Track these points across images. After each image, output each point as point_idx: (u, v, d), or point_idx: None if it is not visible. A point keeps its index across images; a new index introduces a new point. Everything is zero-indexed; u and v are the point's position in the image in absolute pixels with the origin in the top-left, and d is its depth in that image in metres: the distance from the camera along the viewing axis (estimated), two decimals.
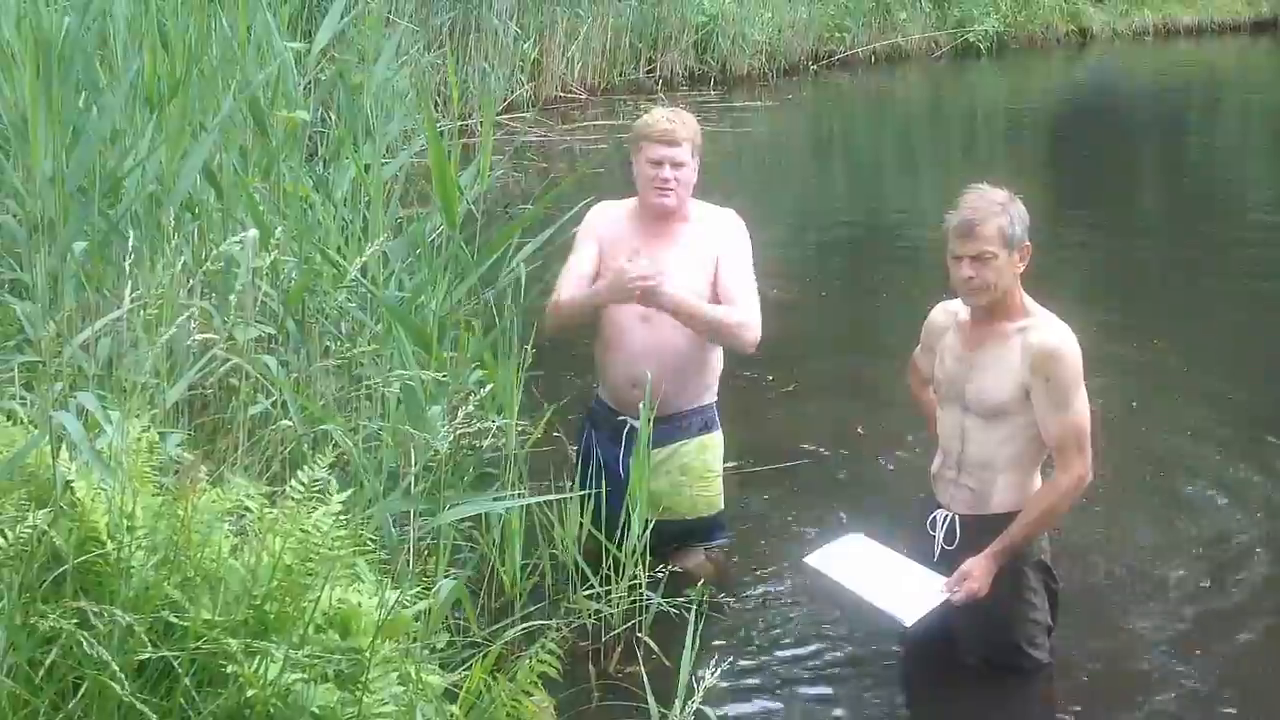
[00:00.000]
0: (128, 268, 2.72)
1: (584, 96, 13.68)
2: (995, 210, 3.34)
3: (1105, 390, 5.28)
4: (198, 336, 3.01)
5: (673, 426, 3.90)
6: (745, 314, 3.82)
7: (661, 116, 3.86)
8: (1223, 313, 7.34)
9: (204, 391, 3.30)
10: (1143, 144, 13.77)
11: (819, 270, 8.12)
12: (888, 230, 9.39)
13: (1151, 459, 5.24)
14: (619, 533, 3.67)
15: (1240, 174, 12.16)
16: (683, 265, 3.82)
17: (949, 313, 3.63)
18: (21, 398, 2.83)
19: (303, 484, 2.50)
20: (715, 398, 4.02)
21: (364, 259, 3.33)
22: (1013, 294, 3.41)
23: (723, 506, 4.06)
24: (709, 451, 3.98)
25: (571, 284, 3.88)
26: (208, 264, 3.12)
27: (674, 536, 3.95)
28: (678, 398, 3.87)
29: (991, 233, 3.33)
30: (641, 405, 3.67)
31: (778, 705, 3.63)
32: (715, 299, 3.84)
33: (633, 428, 3.79)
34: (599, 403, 4.06)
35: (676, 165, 3.79)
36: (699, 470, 3.96)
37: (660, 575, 3.64)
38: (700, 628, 2.96)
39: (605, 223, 3.98)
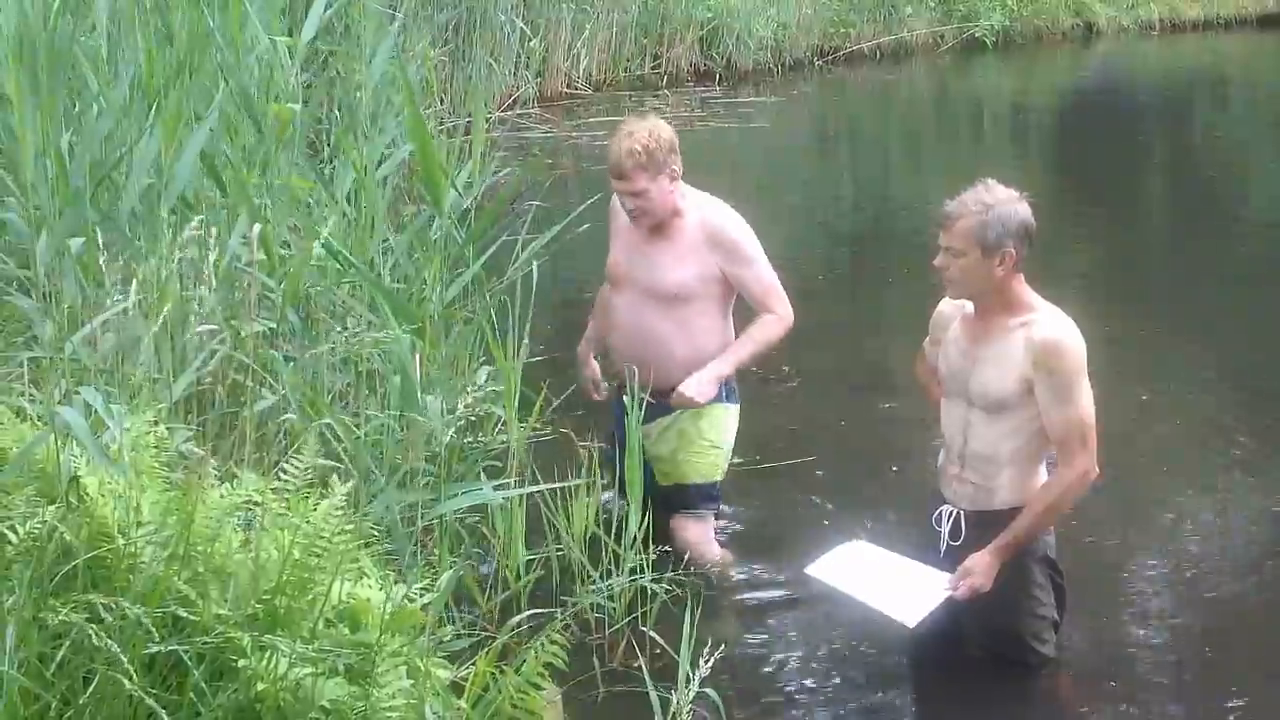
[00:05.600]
0: (125, 262, 2.73)
1: (589, 92, 13.69)
2: (976, 210, 3.33)
3: (1112, 383, 5.27)
4: (202, 328, 3.02)
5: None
6: (770, 320, 3.99)
7: (613, 147, 3.87)
8: (1230, 305, 7.33)
9: (210, 387, 3.31)
10: (1149, 138, 13.74)
11: (824, 263, 8.13)
12: (893, 224, 9.38)
13: (1159, 452, 5.25)
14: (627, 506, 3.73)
15: (1247, 167, 12.14)
16: (670, 259, 3.95)
17: (956, 305, 3.61)
18: (32, 395, 2.84)
19: (294, 473, 2.51)
20: None
21: (327, 227, 3.34)
22: (1009, 290, 3.40)
23: (718, 478, 4.12)
24: (704, 420, 4.03)
25: (607, 273, 4.16)
26: (208, 257, 3.12)
27: (669, 502, 4.10)
28: (676, 374, 3.96)
29: (962, 229, 3.33)
30: (627, 400, 3.78)
31: (782, 695, 3.64)
32: (712, 296, 3.97)
33: (641, 403, 3.95)
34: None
35: (633, 195, 3.86)
36: (692, 435, 4.03)
37: (666, 567, 3.66)
38: (700, 617, 2.96)
39: (617, 213, 4.09)
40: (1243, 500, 4.81)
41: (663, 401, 3.96)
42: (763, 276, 3.99)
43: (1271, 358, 6.44)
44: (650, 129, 3.87)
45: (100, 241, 3.00)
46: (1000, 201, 3.35)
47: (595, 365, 4.24)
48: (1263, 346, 6.64)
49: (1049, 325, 3.38)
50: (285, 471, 2.57)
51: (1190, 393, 5.89)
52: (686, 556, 3.97)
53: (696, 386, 3.90)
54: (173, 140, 3.22)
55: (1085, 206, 9.85)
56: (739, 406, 4.14)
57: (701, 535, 4.13)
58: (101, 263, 2.91)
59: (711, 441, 4.07)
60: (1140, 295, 7.60)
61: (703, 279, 3.95)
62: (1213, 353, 6.48)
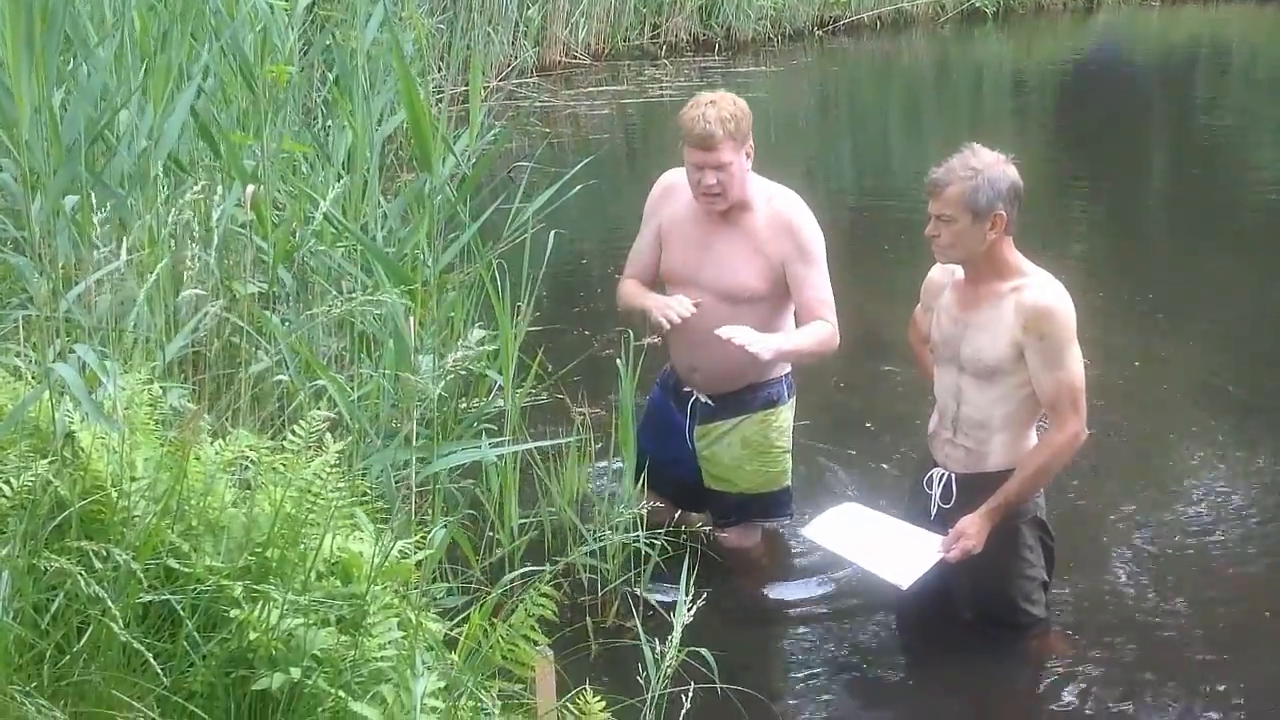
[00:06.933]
0: (118, 221, 2.74)
1: (588, 62, 13.64)
2: (965, 175, 3.33)
3: (1106, 351, 5.31)
4: (195, 291, 3.04)
5: (738, 401, 3.89)
6: (828, 329, 3.72)
7: (698, 115, 3.56)
8: (1228, 271, 7.34)
9: (206, 348, 3.33)
10: (1149, 109, 13.70)
11: (823, 231, 8.11)
12: (892, 192, 9.37)
13: (1152, 417, 5.26)
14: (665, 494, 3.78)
15: (1246, 136, 12.11)
16: (741, 257, 3.72)
17: (947, 271, 3.63)
18: (28, 355, 2.86)
19: (299, 435, 2.53)
20: (787, 369, 3.95)
21: (332, 195, 3.36)
22: (999, 255, 3.41)
23: (787, 483, 4.01)
24: (771, 426, 3.92)
25: (635, 266, 3.92)
26: (192, 216, 3.13)
27: (732, 508, 4.01)
28: (738, 377, 3.84)
29: (952, 196, 3.33)
30: (620, 363, 3.69)
31: (774, 654, 3.68)
32: (777, 296, 3.76)
33: (697, 400, 3.89)
34: (671, 371, 4.03)
35: (719, 168, 3.60)
36: (759, 444, 3.91)
37: (659, 533, 3.68)
38: (695, 579, 2.97)
39: (668, 200, 3.86)
40: (1235, 463, 4.83)
41: (726, 402, 3.86)
42: (820, 284, 3.73)
43: (1268, 324, 6.46)
44: (734, 99, 3.61)
45: (93, 200, 3.01)
46: (988, 165, 3.35)
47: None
48: (1260, 313, 6.66)
49: (1039, 290, 3.39)
50: (291, 433, 2.58)
51: (1186, 357, 5.91)
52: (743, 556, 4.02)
53: (759, 343, 3.54)
54: (162, 97, 3.22)
55: (1084, 175, 9.85)
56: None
57: (760, 542, 4.10)
58: (95, 221, 2.92)
59: (780, 447, 3.95)
60: (1138, 262, 7.61)
61: (773, 278, 3.72)
62: (1209, 319, 6.50)
